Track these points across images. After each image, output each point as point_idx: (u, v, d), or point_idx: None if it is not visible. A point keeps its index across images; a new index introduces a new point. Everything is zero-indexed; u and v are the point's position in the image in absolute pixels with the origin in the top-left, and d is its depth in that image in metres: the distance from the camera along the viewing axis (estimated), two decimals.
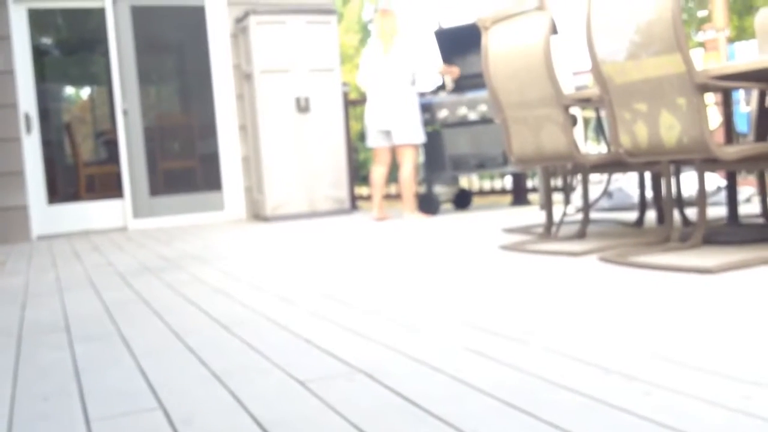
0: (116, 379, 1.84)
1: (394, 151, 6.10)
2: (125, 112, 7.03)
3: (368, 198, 9.33)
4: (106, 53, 7.12)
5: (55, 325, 2.59)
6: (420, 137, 6.05)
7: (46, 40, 9.13)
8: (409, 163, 6.00)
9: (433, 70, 6.06)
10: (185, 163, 7.88)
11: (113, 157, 7.64)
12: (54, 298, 3.20)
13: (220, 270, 3.75)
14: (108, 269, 4.08)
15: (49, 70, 9.41)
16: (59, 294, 3.30)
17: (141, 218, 7.12)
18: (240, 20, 7.07)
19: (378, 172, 6.19)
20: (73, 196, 8.01)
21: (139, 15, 7.13)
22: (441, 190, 6.80)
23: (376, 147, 6.12)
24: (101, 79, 9.77)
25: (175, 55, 8.34)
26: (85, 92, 11.27)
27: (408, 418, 1.40)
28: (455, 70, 6.25)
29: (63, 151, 9.18)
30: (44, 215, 6.90)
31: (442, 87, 6.46)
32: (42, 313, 2.86)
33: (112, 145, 8.02)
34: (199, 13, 7.32)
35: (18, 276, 4.08)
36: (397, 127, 5.95)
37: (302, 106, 6.88)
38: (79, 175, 8.32)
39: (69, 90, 10.98)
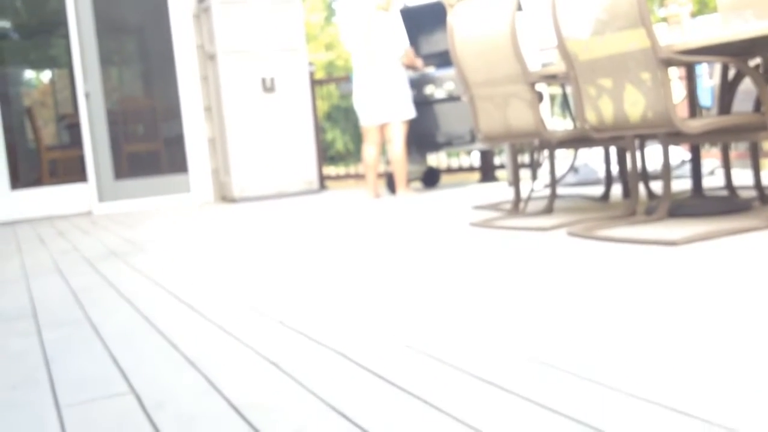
0: (86, 365, 1.82)
1: (383, 130, 6.03)
2: (87, 95, 6.92)
3: (336, 178, 9.31)
4: (66, 36, 6.99)
5: (22, 312, 2.56)
6: (411, 112, 5.99)
7: (5, 24, 8.94)
8: (400, 140, 5.93)
9: (400, 55, 5.95)
10: (150, 146, 7.79)
11: (76, 141, 7.53)
12: (20, 284, 3.16)
13: (186, 252, 3.72)
14: (74, 254, 4.03)
15: (8, 55, 9.22)
16: (25, 281, 3.26)
17: (106, 202, 7.04)
18: (202, 0, 6.98)
19: (370, 151, 6.12)
20: (36, 182, 7.89)
21: None
22: (410, 168, 6.79)
23: (366, 126, 6.05)
24: (62, 62, 9.61)
25: (137, 36, 8.21)
26: (46, 76, 11.07)
27: (384, 396, 1.41)
28: (419, 63, 6.25)
29: (25, 136, 9.03)
30: (7, 201, 6.79)
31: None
32: (8, 300, 2.82)
33: (74, 128, 7.90)
34: None
35: None
36: (386, 105, 5.88)
37: (268, 87, 6.83)
38: (42, 159, 8.19)
39: (30, 74, 10.78)
